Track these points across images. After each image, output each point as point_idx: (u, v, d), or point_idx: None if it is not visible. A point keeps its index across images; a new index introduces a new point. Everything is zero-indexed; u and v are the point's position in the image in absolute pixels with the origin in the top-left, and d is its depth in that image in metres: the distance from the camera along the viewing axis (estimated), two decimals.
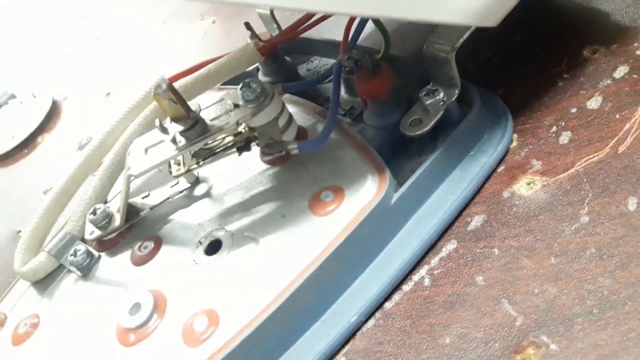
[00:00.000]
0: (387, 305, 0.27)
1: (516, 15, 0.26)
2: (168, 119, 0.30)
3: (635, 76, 0.30)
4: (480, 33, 0.28)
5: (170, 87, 0.28)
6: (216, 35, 0.60)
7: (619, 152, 0.27)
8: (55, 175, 0.53)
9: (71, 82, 0.68)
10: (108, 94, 0.62)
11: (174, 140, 0.30)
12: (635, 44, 0.32)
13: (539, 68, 0.34)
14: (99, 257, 0.33)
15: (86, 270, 0.32)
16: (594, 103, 0.30)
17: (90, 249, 0.33)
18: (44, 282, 0.33)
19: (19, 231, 0.47)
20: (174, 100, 0.28)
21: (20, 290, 0.34)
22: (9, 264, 0.44)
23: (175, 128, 0.30)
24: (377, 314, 0.27)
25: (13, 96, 0.67)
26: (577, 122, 0.30)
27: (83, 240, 0.33)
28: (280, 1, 0.24)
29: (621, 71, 0.31)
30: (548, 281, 0.24)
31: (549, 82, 0.33)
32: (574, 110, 0.30)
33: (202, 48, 0.59)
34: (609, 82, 0.31)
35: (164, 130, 0.30)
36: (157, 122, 0.30)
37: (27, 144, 0.61)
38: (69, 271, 0.33)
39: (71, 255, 0.32)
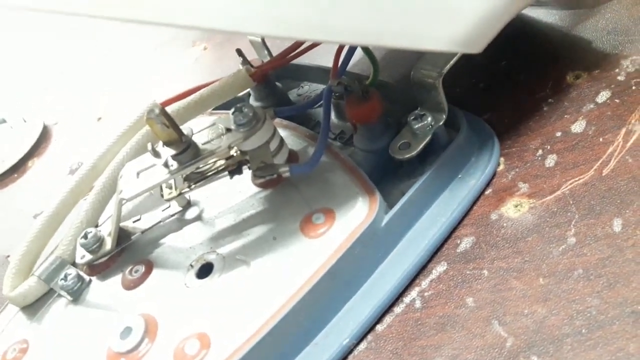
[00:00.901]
0: (379, 327, 0.27)
1: (501, 42, 0.27)
2: (160, 143, 0.30)
3: (617, 101, 0.31)
4: (466, 59, 0.29)
5: (163, 112, 0.28)
6: (207, 62, 0.61)
7: (604, 174, 0.28)
8: (45, 199, 0.53)
9: (62, 107, 0.69)
10: (99, 119, 0.62)
11: (166, 164, 0.30)
12: (617, 70, 0.32)
13: (524, 93, 0.35)
14: (90, 281, 0.33)
15: (76, 294, 0.32)
16: (578, 127, 0.31)
17: (81, 273, 0.33)
18: (34, 307, 0.33)
19: (8, 256, 0.47)
20: (167, 125, 0.28)
21: (9, 315, 0.33)
22: None
23: (167, 152, 0.30)
24: (369, 337, 0.27)
25: (4, 121, 0.67)
26: (562, 145, 0.30)
27: (73, 264, 0.33)
28: (272, 30, 0.24)
29: (603, 96, 0.32)
30: (537, 302, 0.25)
31: (534, 107, 0.33)
32: (559, 134, 0.31)
33: (194, 74, 0.60)
34: (592, 106, 0.31)
35: (156, 154, 0.30)
36: (149, 146, 0.30)
37: (17, 168, 0.61)
38: (59, 295, 0.32)
39: (61, 279, 0.32)
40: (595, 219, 0.26)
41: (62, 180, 0.54)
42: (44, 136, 0.64)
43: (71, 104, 0.68)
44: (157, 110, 0.28)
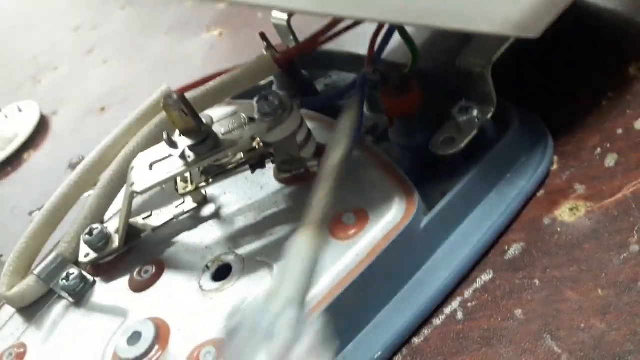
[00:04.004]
0: (416, 340, 0.27)
1: (556, 30, 0.27)
2: (177, 131, 0.30)
3: None
4: (517, 47, 0.29)
5: (182, 98, 0.29)
6: (224, 49, 0.62)
7: None
8: (42, 196, 0.53)
9: (62, 95, 0.70)
10: (102, 109, 0.63)
11: (182, 155, 0.30)
12: None
13: (581, 86, 0.35)
14: (94, 282, 0.33)
15: (79, 296, 0.33)
16: None
17: (84, 273, 0.33)
18: (32, 309, 0.33)
19: (1, 255, 0.48)
20: (185, 112, 0.29)
21: (5, 316, 0.34)
22: None
23: (184, 142, 0.30)
24: (404, 351, 0.27)
25: None
26: (623, 143, 0.30)
27: (76, 263, 0.34)
28: (310, 5, 0.24)
29: None
30: (595, 315, 0.25)
31: (591, 102, 0.33)
32: (620, 131, 0.31)
33: (209, 61, 0.61)
34: None
35: (172, 144, 0.30)
36: (165, 135, 0.30)
37: (12, 161, 0.62)
38: (60, 297, 0.33)
39: (63, 279, 0.33)
40: None
41: (61, 175, 0.55)
42: (41, 127, 0.65)
43: (71, 92, 0.69)
44: (175, 96, 0.29)
